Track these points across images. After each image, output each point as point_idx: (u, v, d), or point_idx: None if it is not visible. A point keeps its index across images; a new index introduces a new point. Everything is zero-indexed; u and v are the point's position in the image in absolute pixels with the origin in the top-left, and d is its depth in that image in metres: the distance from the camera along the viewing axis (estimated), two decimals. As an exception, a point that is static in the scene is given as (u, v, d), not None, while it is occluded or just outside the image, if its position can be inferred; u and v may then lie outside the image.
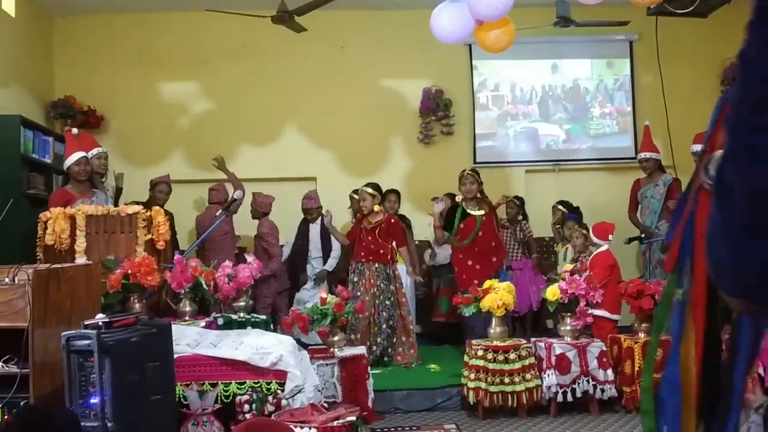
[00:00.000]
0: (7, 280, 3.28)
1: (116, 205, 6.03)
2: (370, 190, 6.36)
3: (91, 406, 2.99)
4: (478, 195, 6.45)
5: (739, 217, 0.73)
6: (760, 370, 3.71)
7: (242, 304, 5.20)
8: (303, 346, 4.79)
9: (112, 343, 3.04)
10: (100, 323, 3.10)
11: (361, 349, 5.16)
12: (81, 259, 4.76)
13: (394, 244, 6.31)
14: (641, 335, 5.12)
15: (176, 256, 5.08)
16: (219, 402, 4.11)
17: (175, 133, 8.05)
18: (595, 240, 6.08)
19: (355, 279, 6.27)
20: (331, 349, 4.94)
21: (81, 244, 4.90)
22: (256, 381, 4.14)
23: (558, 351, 5.02)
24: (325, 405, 4.25)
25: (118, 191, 6.81)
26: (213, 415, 4.08)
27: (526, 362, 4.98)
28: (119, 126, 8.01)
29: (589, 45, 8.43)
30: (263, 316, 5.43)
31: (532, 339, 5.41)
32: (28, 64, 7.35)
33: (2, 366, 3.28)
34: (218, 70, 8.07)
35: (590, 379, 5.00)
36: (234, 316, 5.08)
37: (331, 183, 7.85)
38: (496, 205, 6.73)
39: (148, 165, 7.74)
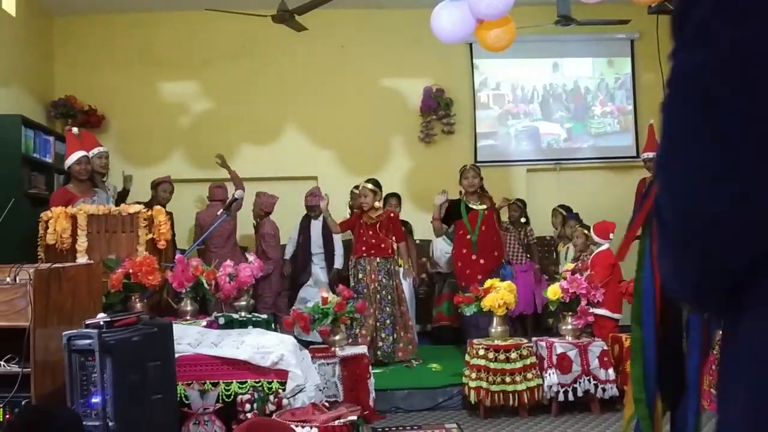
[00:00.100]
0: (8, 279, 3.28)
1: (117, 204, 6.02)
2: (371, 186, 6.36)
3: (92, 406, 2.99)
4: (479, 190, 6.46)
5: (671, 234, 0.77)
6: None
7: (243, 303, 5.20)
8: (304, 345, 4.79)
9: (114, 343, 3.04)
10: (102, 323, 3.10)
11: (362, 349, 5.16)
12: (82, 259, 4.76)
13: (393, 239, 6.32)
14: (642, 334, 5.11)
15: (177, 256, 5.08)
16: (220, 401, 4.11)
17: (176, 132, 8.05)
18: (596, 239, 6.06)
19: (360, 276, 6.27)
20: (333, 349, 4.94)
21: (82, 243, 4.90)
22: (257, 380, 4.13)
23: (559, 350, 5.01)
24: (327, 404, 4.24)
25: (125, 192, 6.81)
26: (214, 415, 4.08)
27: (528, 361, 4.97)
28: (120, 125, 8.02)
29: (590, 44, 8.42)
30: (264, 316, 5.42)
31: (533, 338, 5.40)
32: (28, 63, 7.36)
33: (4, 365, 3.28)
34: (218, 69, 8.06)
35: (591, 379, 4.99)
36: (235, 316, 5.07)
37: (331, 182, 7.84)
38: (498, 208, 6.74)
39: (148, 164, 7.75)
